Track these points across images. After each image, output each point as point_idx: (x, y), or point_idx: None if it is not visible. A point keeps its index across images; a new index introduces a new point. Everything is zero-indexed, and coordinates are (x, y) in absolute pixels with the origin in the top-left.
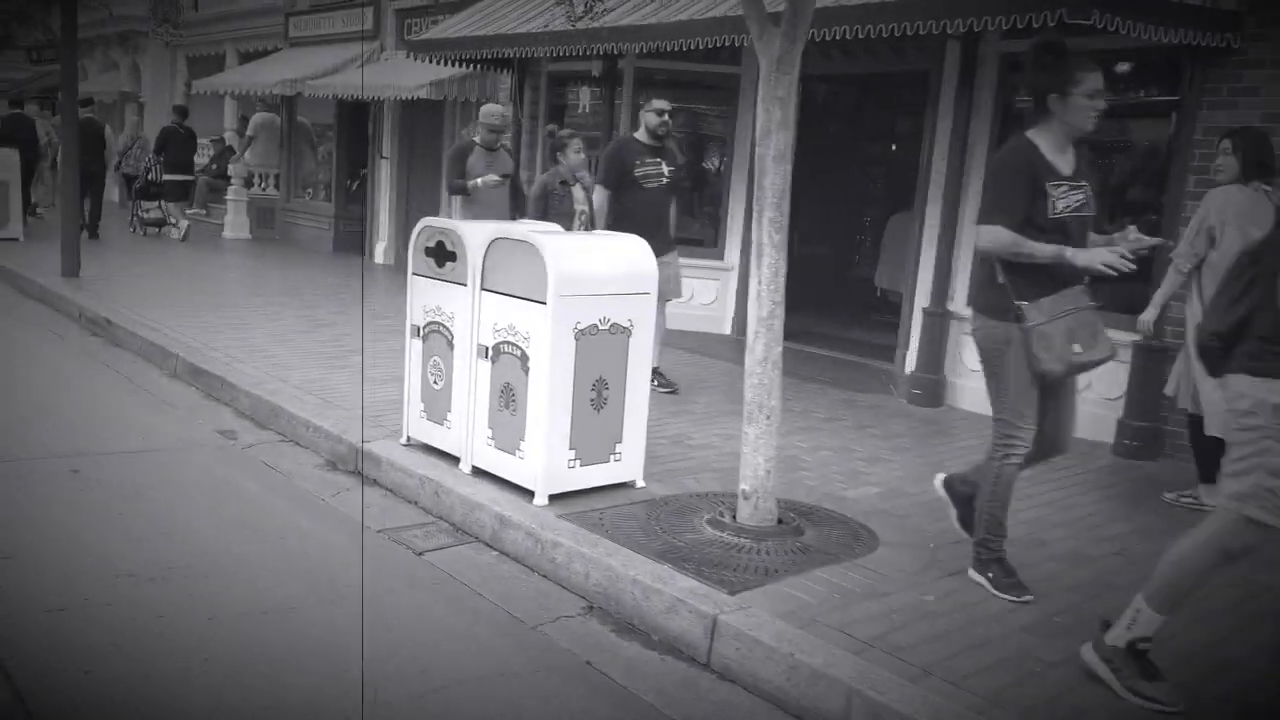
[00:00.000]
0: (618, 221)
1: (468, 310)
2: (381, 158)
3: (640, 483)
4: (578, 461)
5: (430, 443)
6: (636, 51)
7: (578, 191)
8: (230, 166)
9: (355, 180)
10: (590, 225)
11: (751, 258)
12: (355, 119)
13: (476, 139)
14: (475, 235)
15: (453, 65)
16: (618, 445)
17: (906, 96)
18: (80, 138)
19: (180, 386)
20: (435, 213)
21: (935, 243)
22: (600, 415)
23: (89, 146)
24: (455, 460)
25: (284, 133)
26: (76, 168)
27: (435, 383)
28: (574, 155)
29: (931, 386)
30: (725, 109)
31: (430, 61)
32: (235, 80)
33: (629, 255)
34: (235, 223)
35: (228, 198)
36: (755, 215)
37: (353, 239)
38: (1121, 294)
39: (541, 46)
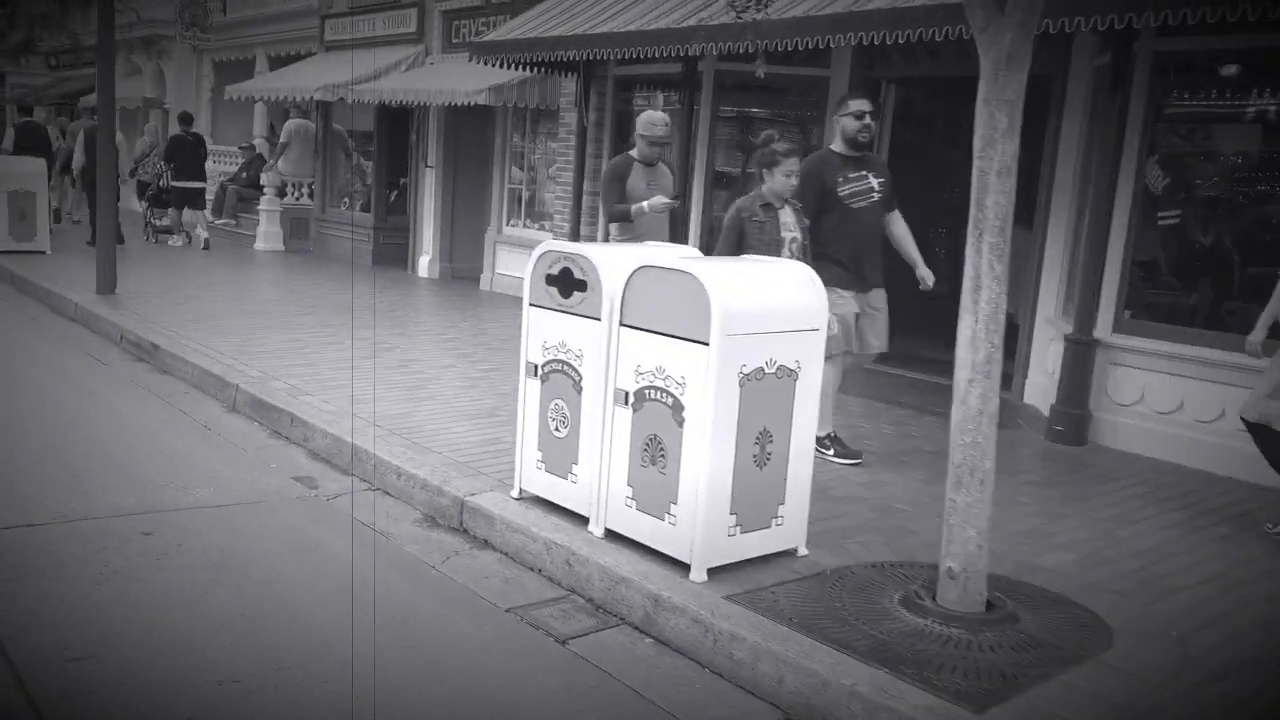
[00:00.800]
0: (821, 254)
1: (602, 349)
2: (426, 167)
3: (803, 549)
4: (738, 528)
5: (549, 498)
6: (718, 53)
7: (785, 215)
8: (262, 175)
9: (395, 190)
10: (804, 256)
11: (965, 292)
12: (395, 126)
13: (633, 153)
14: (613, 262)
15: (514, 69)
16: (780, 507)
17: None
18: (91, 145)
19: (242, 422)
20: (482, 224)
21: (1062, 261)
22: (763, 473)
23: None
24: (582, 520)
25: (318, 140)
26: (111, 178)
27: (557, 430)
28: (782, 179)
29: (1076, 422)
30: (812, 114)
31: (494, 65)
32: (271, 85)
33: (795, 285)
34: (268, 234)
35: (260, 207)
36: (972, 241)
37: (394, 252)
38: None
39: (644, 46)
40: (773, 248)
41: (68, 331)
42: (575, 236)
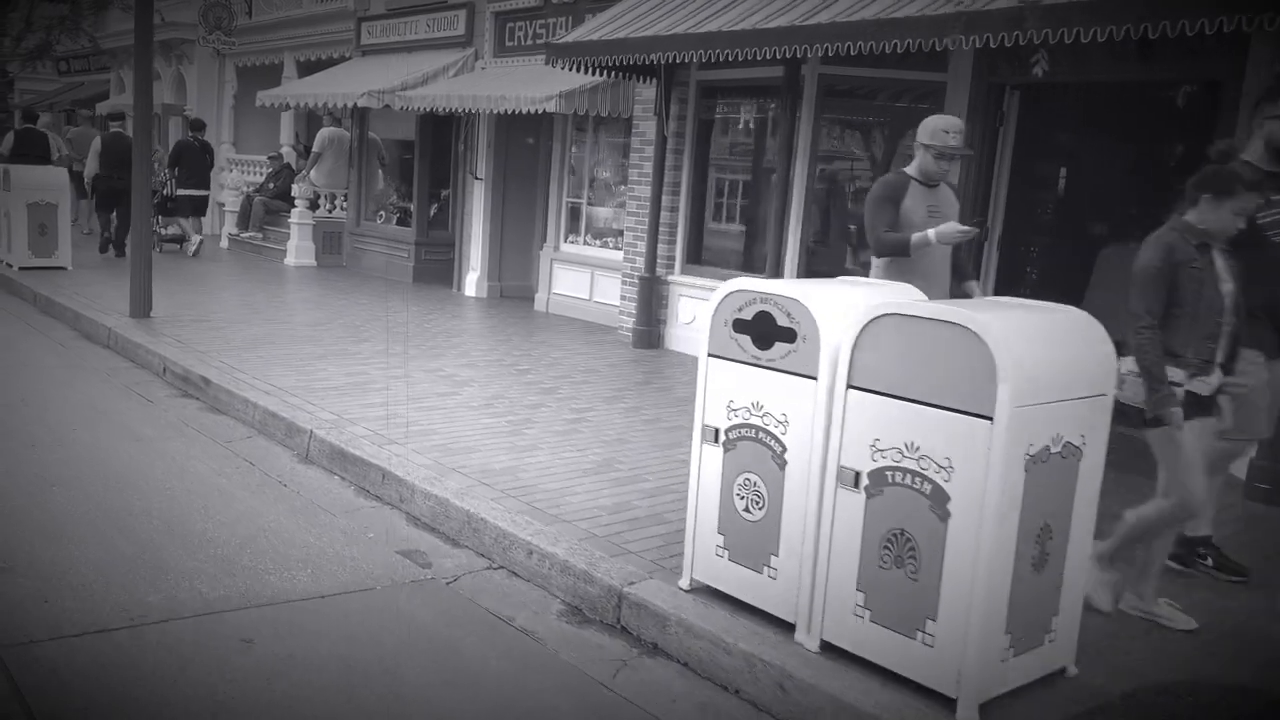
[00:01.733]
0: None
1: (818, 415)
2: (475, 179)
3: (1072, 668)
4: (1011, 650)
5: (734, 594)
6: (822, 55)
7: (1219, 259)
8: (293, 186)
9: (436, 203)
10: (1240, 315)
11: None
12: (438, 135)
13: (910, 170)
14: (833, 307)
15: (590, 73)
16: (1053, 620)
17: (1150, 109)
18: (107, 153)
19: (321, 476)
20: (532, 241)
21: None
22: (1039, 578)
23: (116, 162)
24: (783, 626)
25: (353, 149)
26: (147, 190)
27: (748, 511)
28: (1230, 215)
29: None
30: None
31: (570, 69)
32: (309, 90)
33: (1083, 338)
34: (300, 248)
35: (291, 220)
36: None
37: (436, 269)
38: None
39: (795, 44)
40: (1213, 305)
41: (102, 360)
42: (652, 257)
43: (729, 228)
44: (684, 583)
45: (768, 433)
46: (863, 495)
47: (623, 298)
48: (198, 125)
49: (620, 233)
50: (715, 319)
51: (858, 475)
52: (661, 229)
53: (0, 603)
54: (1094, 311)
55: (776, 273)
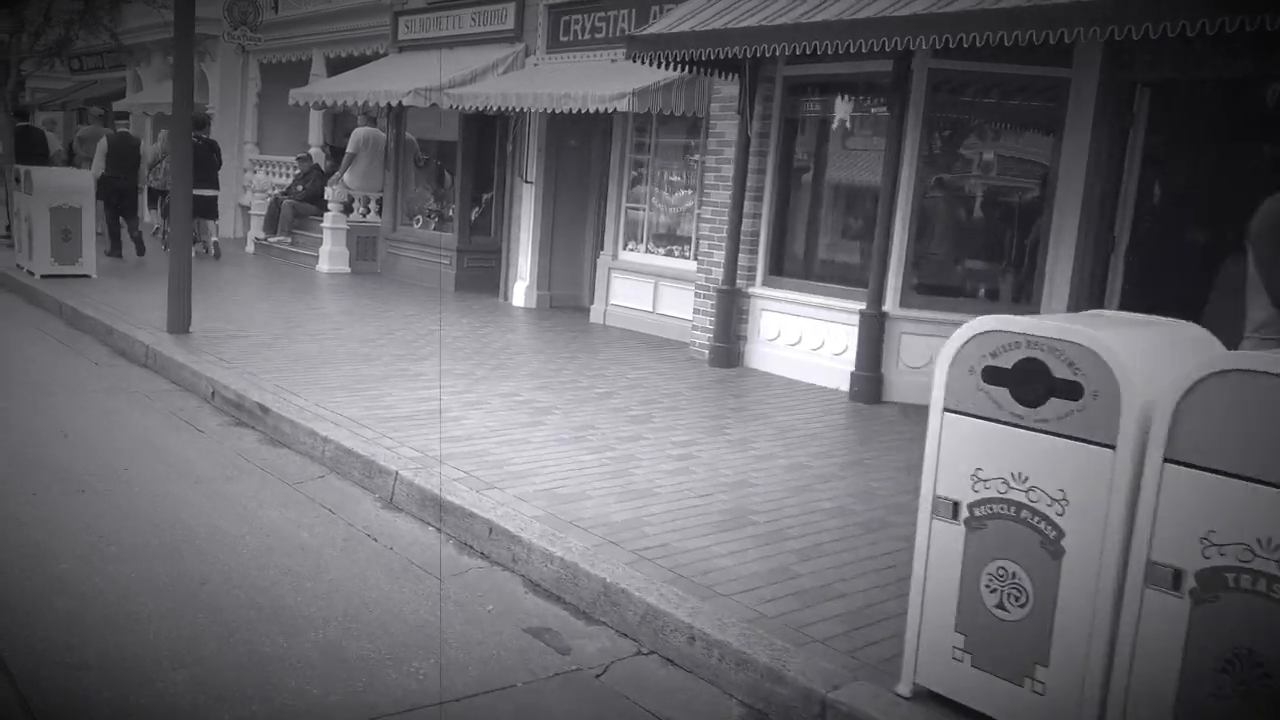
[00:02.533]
0: None
1: (1115, 494)
2: (525, 182)
3: None
4: None
5: (977, 707)
6: (938, 47)
7: None
8: (328, 190)
9: (478, 207)
10: None
11: None
12: (482, 136)
13: None
14: (1142, 357)
15: (667, 68)
16: None
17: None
18: (114, 153)
19: (414, 527)
20: (583, 248)
21: None
22: None
23: (122, 162)
24: None
25: (389, 150)
26: (187, 194)
27: (1002, 607)
28: None
29: None
30: (1048, 123)
31: (649, 64)
32: (343, 88)
33: None
34: (333, 254)
35: (324, 225)
36: None
37: (479, 277)
38: None
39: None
40: None
41: (141, 381)
42: (731, 268)
43: (824, 238)
44: (904, 688)
45: (1035, 512)
46: (1186, 600)
47: (696, 311)
48: (201, 123)
49: (686, 240)
50: (956, 365)
51: (1178, 575)
52: (743, 238)
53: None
54: (1216, 311)
55: (879, 291)
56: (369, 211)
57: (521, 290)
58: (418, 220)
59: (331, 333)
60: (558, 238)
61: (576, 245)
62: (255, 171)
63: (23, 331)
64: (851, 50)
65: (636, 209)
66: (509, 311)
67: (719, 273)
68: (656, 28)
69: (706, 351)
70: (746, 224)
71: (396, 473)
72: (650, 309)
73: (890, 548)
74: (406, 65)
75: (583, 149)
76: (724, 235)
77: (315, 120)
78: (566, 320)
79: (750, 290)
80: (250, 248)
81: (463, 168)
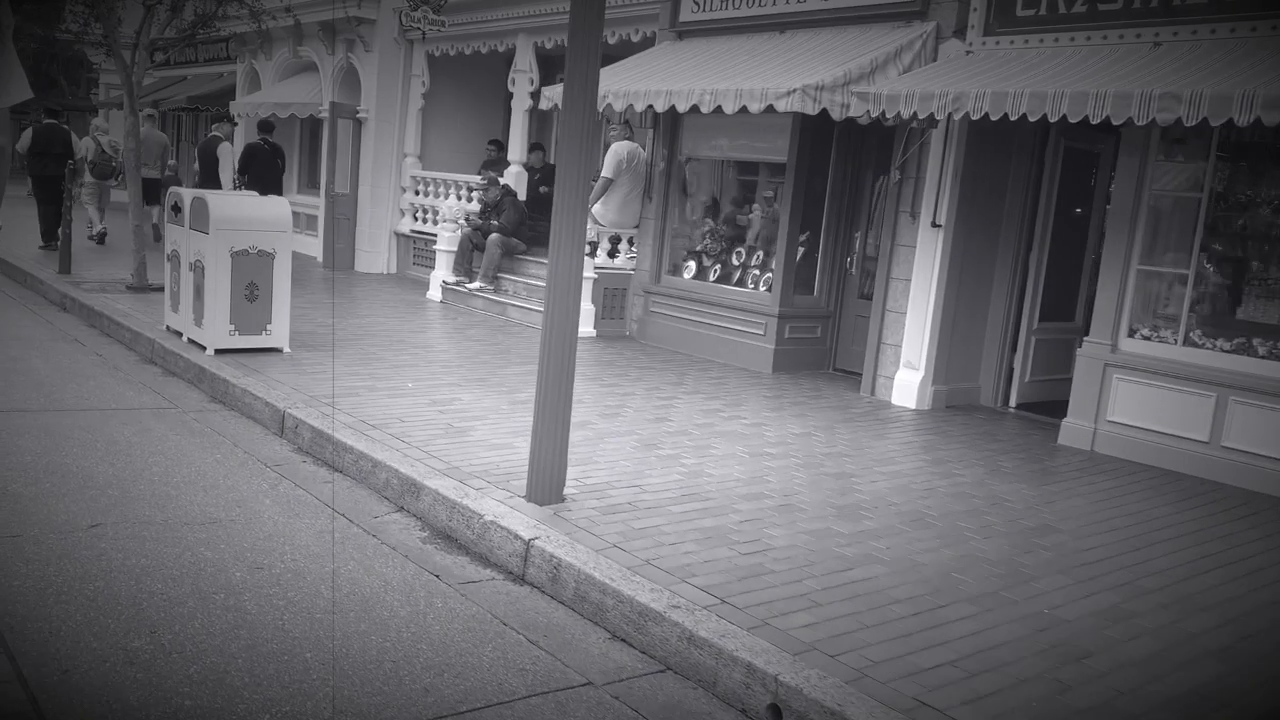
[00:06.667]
0: None
1: None
2: (934, 225)
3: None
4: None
5: None
6: None
7: None
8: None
9: (801, 249)
10: None
11: None
12: (815, 153)
13: None
14: None
15: None
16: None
17: None
18: (139, 147)
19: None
20: (983, 322)
21: None
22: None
23: (149, 158)
24: None
25: (653, 173)
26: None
27: None
28: None
29: None
30: None
31: None
32: (645, 86)
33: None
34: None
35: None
36: None
37: (803, 354)
38: None
39: None
40: None
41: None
42: None
43: None
44: None
45: None
46: None
47: None
48: (266, 126)
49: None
50: None
51: None
52: None
53: None
54: None
55: None
56: (616, 254)
57: (909, 383)
58: (688, 269)
59: (695, 467)
60: (961, 306)
61: (979, 319)
62: (431, 194)
63: (238, 473)
64: None
65: (1151, 270)
66: (893, 417)
67: None
68: None
69: None
70: None
71: None
72: (1206, 439)
73: None
74: (701, 56)
75: (997, 176)
76: None
77: (519, 131)
78: (1017, 441)
79: None
80: (435, 293)
81: (793, 199)
